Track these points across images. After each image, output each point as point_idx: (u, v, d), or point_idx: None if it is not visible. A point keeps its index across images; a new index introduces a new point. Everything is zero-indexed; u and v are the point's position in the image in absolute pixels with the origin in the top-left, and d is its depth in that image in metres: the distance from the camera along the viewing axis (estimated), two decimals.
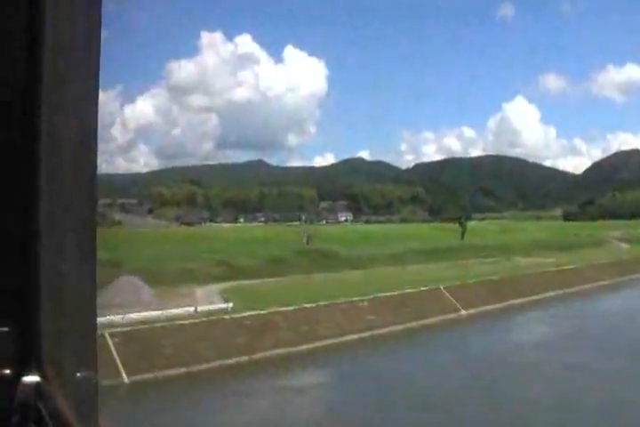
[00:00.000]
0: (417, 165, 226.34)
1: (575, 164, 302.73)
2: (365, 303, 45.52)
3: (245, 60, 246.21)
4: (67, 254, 1.39)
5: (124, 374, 31.69)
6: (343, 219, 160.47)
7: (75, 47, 1.38)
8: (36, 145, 1.26)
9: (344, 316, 43.36)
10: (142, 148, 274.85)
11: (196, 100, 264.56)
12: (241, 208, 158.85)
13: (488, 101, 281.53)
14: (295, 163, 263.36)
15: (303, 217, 74.78)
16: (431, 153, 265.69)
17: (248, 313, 39.12)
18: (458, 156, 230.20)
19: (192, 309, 38.12)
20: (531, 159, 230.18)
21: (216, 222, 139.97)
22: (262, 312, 39.71)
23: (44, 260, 1.28)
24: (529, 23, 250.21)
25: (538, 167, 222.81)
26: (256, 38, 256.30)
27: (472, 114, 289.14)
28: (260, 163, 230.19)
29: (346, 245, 68.86)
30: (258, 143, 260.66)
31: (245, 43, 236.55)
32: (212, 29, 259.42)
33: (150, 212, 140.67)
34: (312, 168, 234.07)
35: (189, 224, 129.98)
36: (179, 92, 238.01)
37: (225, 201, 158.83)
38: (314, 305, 42.61)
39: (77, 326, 1.44)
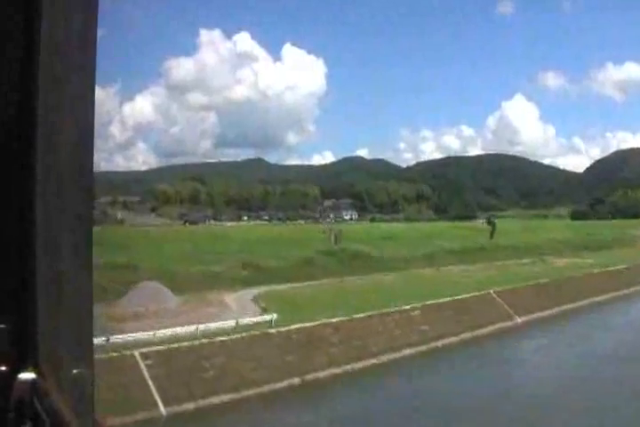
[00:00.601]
0: (418, 164, 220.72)
1: (574, 162, 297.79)
2: (417, 312, 39.73)
3: (244, 58, 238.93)
4: (63, 253, 1.36)
5: (160, 405, 25.69)
6: (348, 217, 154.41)
7: (71, 47, 1.34)
8: (32, 144, 1.23)
9: (397, 327, 37.54)
10: (141, 146, 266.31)
11: (195, 98, 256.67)
12: (244, 206, 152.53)
13: (487, 100, 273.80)
14: (294, 161, 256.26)
15: (331, 215, 68.04)
16: (430, 151, 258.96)
17: (294, 326, 33.17)
18: (456, 154, 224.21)
19: (232, 322, 32.07)
20: (531, 158, 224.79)
21: (220, 221, 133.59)
22: (310, 325, 33.80)
23: (40, 258, 1.26)
24: (528, 21, 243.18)
25: (539, 166, 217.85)
26: (255, 36, 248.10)
27: (471, 112, 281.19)
28: (260, 161, 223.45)
29: (372, 244, 63.01)
30: (256, 141, 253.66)
31: (244, 41, 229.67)
32: (210, 27, 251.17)
33: (153, 210, 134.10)
34: (312, 166, 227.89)
35: (193, 223, 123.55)
36: (177, 91, 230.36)
37: (228, 199, 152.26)
38: (363, 315, 36.75)
39: (74, 323, 1.41)
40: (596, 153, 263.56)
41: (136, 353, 26.91)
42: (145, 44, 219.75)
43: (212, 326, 31.13)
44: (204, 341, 29.18)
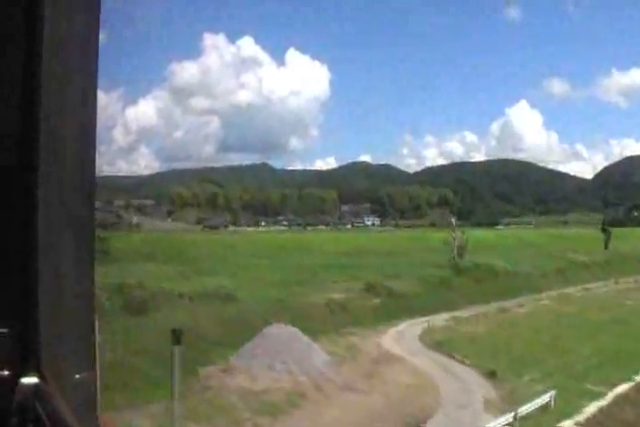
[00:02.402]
0: (426, 169, 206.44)
1: (577, 169, 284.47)
2: None
3: (248, 63, 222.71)
4: (65, 256, 1.30)
5: None
6: (369, 223, 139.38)
7: (73, 50, 1.29)
8: (34, 148, 1.18)
9: None
10: (144, 150, 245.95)
11: (199, 102, 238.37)
12: (261, 211, 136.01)
13: (491, 106, 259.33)
14: (297, 166, 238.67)
15: (453, 222, 52.53)
16: (432, 157, 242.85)
17: (589, 409, 17.58)
18: (460, 160, 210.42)
19: (508, 416, 16.25)
20: (539, 164, 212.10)
21: (238, 226, 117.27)
22: (603, 404, 18.24)
23: (42, 263, 1.20)
24: (534, 27, 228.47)
25: (548, 172, 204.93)
26: (258, 41, 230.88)
27: (474, 118, 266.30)
28: (265, 166, 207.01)
29: (485, 256, 47.43)
30: (259, 146, 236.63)
31: (248, 45, 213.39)
32: (214, 31, 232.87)
33: (170, 214, 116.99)
34: (318, 171, 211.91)
35: (213, 228, 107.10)
36: (181, 95, 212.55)
37: (244, 203, 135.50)
38: None
39: (76, 327, 1.33)
40: (599, 159, 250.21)
41: None
42: (148, 47, 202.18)
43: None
44: None
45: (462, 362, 22.74)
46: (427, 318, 30.85)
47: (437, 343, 25.53)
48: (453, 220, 54.62)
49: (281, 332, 23.02)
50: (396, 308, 31.94)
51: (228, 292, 28.57)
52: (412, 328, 28.85)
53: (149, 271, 31.92)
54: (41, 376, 1.18)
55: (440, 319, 30.80)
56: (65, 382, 1.26)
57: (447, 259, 43.85)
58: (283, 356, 21.23)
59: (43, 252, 1.20)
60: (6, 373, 1.16)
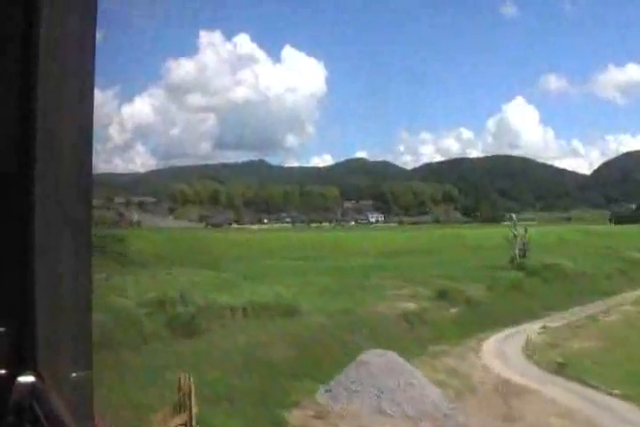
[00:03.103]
0: (425, 165, 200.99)
1: (573, 165, 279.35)
2: None
3: (244, 60, 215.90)
4: (62, 255, 1.28)
5: None
6: (374, 220, 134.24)
7: (69, 49, 1.28)
8: (30, 146, 1.17)
9: None
10: (140, 147, 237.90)
11: (195, 99, 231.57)
12: (263, 208, 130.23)
13: (487, 102, 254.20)
14: (293, 163, 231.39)
15: (514, 217, 47.06)
16: (429, 154, 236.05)
17: None
18: (457, 156, 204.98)
19: None
20: (538, 160, 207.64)
21: (242, 224, 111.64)
22: None
23: (39, 261, 1.19)
24: (531, 24, 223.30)
25: (547, 168, 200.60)
26: (255, 38, 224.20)
27: (471, 115, 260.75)
28: (262, 163, 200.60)
29: (548, 256, 42.14)
30: (256, 143, 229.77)
31: (244, 42, 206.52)
32: (210, 29, 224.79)
33: (172, 211, 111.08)
34: (316, 168, 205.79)
35: (216, 225, 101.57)
36: (177, 92, 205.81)
37: (247, 200, 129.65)
38: None
39: (73, 326, 1.32)
40: (596, 155, 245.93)
41: None
42: (144, 45, 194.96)
43: None
44: None
45: (609, 393, 17.53)
46: (514, 330, 25.70)
47: (557, 365, 20.29)
48: (514, 215, 49.28)
49: (377, 359, 17.62)
50: (474, 317, 26.68)
51: (286, 302, 23.08)
52: (507, 343, 23.61)
53: (181, 278, 26.37)
54: (38, 375, 1.15)
55: (531, 331, 25.56)
56: (61, 380, 1.23)
57: (501, 259, 38.66)
58: (389, 392, 15.85)
59: (39, 250, 1.16)
60: (3, 371, 1.13)
